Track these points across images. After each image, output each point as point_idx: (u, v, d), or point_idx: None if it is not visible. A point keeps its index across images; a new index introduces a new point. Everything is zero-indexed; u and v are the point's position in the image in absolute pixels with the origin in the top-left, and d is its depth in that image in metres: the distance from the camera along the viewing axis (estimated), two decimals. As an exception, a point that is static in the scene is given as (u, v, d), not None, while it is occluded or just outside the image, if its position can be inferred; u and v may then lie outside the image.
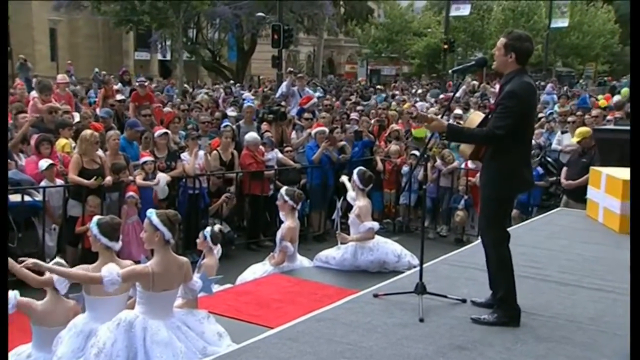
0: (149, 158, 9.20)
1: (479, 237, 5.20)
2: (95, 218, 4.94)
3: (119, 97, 13.36)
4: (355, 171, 7.47)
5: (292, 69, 16.68)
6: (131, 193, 8.81)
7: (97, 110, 12.74)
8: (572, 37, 48.94)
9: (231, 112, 13.80)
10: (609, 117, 13.94)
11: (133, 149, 9.77)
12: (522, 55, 4.72)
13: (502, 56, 4.76)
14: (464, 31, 45.35)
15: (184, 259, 4.75)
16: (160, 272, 4.43)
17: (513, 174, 4.72)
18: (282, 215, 7.19)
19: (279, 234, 7.08)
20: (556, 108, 17.39)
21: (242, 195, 10.63)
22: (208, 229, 6.32)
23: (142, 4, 25.21)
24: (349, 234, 7.33)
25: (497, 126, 4.62)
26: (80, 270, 4.65)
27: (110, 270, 4.34)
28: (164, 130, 9.91)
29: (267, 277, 6.86)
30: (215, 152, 10.43)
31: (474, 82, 27.75)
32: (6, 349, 3.82)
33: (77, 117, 11.05)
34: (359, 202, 7.27)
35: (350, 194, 7.54)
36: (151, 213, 4.58)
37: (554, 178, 11.28)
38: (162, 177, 9.17)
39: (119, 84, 17.14)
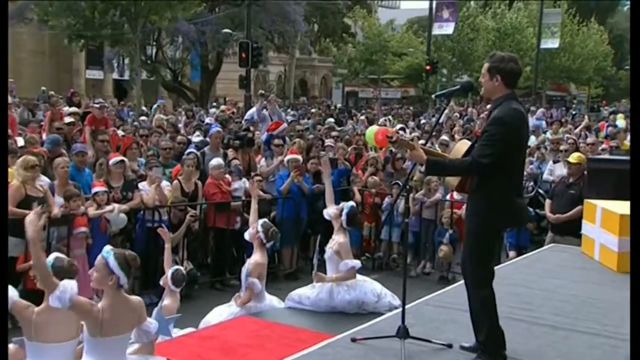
0: (102, 188, 9.09)
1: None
2: (51, 257, 4.88)
3: (67, 119, 13.21)
4: (345, 207, 7.48)
5: (262, 92, 16.80)
6: (82, 229, 8.65)
7: (44, 135, 12.56)
8: (563, 58, 49.90)
9: (196, 137, 13.77)
10: (603, 146, 14.08)
11: (84, 178, 9.68)
12: (508, 76, 4.80)
13: (488, 81, 4.84)
14: (450, 51, 45.92)
15: (138, 298, 4.70)
16: (109, 317, 4.36)
17: (501, 206, 4.74)
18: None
19: (244, 269, 7.05)
20: (548, 135, 17.60)
21: (206, 228, 10.58)
22: (173, 268, 6.27)
23: (100, 18, 25.05)
24: (324, 272, 7.32)
25: (481, 154, 4.66)
26: (25, 304, 4.59)
27: (67, 287, 4.25)
28: (120, 157, 9.85)
29: (234, 319, 6.81)
30: (176, 181, 10.38)
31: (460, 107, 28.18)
32: (6, 348, 3.91)
33: (20, 141, 10.91)
34: (339, 237, 7.28)
35: (327, 212, 7.55)
36: (108, 253, 4.52)
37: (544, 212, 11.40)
38: (117, 207, 9.05)
39: (66, 107, 16.86)
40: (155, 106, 24.99)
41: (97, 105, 13.42)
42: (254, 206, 7.58)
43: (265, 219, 7.65)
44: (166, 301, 6.11)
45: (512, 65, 4.81)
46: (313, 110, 25.59)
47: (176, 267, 6.42)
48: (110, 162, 9.68)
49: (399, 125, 18.26)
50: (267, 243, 7.19)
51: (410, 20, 57.47)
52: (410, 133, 16.50)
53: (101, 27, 25.20)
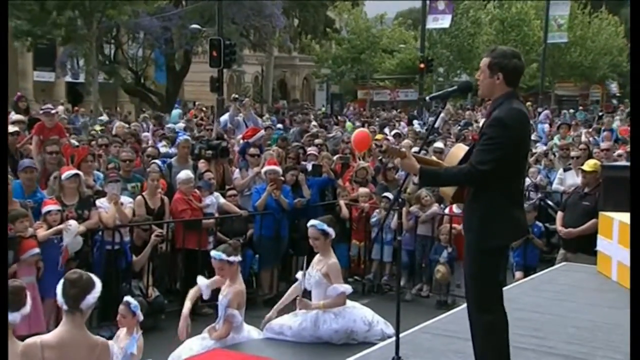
0: (54, 206, 9.01)
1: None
2: None
3: (11, 128, 13.04)
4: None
5: (236, 96, 16.81)
6: (35, 250, 8.58)
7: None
8: (574, 54, 50.23)
9: (162, 147, 13.74)
10: (619, 151, 14.06)
11: (36, 196, 9.60)
12: (510, 75, 4.83)
13: (487, 78, 4.86)
14: (448, 47, 46.08)
15: (100, 339, 4.64)
16: (55, 346, 4.29)
17: (502, 218, 4.76)
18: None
19: (222, 299, 7.01)
20: (556, 140, 17.64)
21: (174, 250, 10.54)
22: (130, 299, 6.23)
23: (50, 16, 24.81)
24: (308, 298, 7.30)
25: (480, 161, 4.68)
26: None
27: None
28: (74, 170, 9.78)
29: (207, 353, 6.77)
30: (139, 197, 10.35)
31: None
32: (6, 348, 4.01)
33: None
34: (328, 258, 7.25)
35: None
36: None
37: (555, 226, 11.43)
38: (74, 225, 8.94)
39: (12, 113, 16.71)
40: (176, 112, 24.88)
41: (42, 112, 13.12)
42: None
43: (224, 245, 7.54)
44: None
45: (515, 62, 4.84)
46: (296, 116, 25.71)
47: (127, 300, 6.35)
48: (63, 176, 9.57)
49: (394, 131, 18.35)
50: (232, 257, 7.10)
51: (401, 13, 57.75)
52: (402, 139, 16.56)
53: (53, 25, 24.91)
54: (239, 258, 7.12)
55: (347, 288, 7.27)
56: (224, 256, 7.02)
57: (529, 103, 34.27)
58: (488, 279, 4.87)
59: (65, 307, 4.41)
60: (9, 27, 26.62)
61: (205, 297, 7.28)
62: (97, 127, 20.15)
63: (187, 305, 7.11)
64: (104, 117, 25.49)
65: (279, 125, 22.01)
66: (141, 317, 6.06)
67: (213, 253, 7.20)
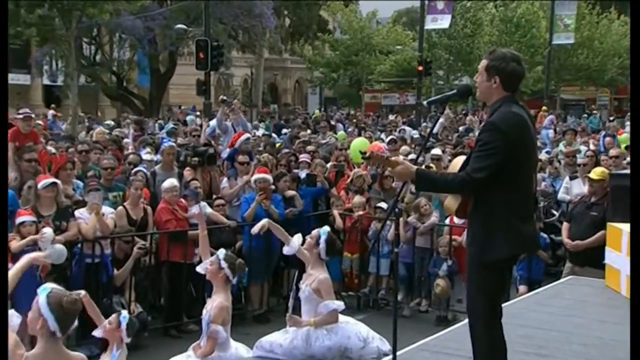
0: (29, 217, 8.96)
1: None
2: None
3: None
4: (322, 234, 7.44)
5: (225, 98, 16.73)
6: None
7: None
8: (581, 56, 50.35)
9: (146, 154, 13.70)
10: (629, 159, 14.06)
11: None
12: (508, 79, 4.85)
13: (484, 82, 4.88)
14: (447, 49, 46.14)
15: (80, 355, 4.64)
16: None
17: (503, 229, 4.75)
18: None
19: (206, 314, 7.00)
20: (561, 147, 17.65)
21: (158, 263, 10.52)
22: (125, 313, 6.19)
23: (27, 15, 24.68)
24: (299, 314, 7.29)
25: (475, 168, 4.69)
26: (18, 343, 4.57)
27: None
28: (52, 179, 9.75)
29: (192, 372, 6.76)
30: (121, 208, 10.32)
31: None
32: (6, 348, 4.07)
33: None
34: (319, 272, 7.25)
35: (291, 247, 7.50)
36: (44, 290, 4.49)
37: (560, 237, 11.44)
38: (48, 232, 8.81)
39: None
40: (190, 117, 24.83)
41: (22, 116, 13.07)
42: (202, 235, 7.56)
43: (223, 249, 7.54)
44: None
45: (514, 66, 4.85)
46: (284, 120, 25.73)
47: (121, 312, 6.33)
48: (40, 185, 9.54)
49: (389, 137, 18.33)
50: (234, 279, 7.14)
51: (398, 12, 57.84)
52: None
53: (26, 24, 24.69)
54: (231, 274, 7.03)
55: (340, 305, 7.26)
56: (221, 256, 6.99)
57: (544, 108, 34.35)
58: (491, 293, 4.87)
59: (59, 334, 4.43)
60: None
61: None
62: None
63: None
64: (110, 122, 25.46)
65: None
66: (125, 337, 6.00)
67: (219, 252, 7.14)
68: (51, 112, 27.62)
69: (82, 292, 5.08)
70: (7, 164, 7.85)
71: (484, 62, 4.90)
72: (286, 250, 7.63)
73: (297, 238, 7.53)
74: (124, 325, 5.96)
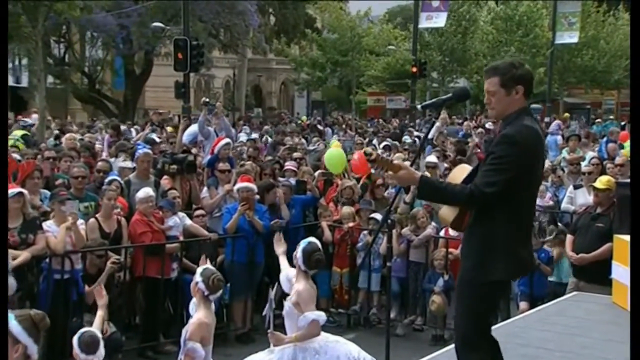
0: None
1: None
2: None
3: None
4: (300, 246, 7.43)
5: (207, 100, 16.67)
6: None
7: None
8: (585, 56, 50.49)
9: (121, 162, 13.66)
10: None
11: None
12: (528, 83, 4.94)
13: (504, 97, 4.89)
14: (440, 49, 46.15)
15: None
16: None
17: (504, 250, 4.78)
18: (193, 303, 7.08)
19: (184, 332, 6.99)
20: (564, 154, 17.65)
21: (133, 279, 10.50)
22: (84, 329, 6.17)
23: None
24: (284, 332, 7.28)
25: (486, 182, 4.69)
26: None
27: None
28: (18, 189, 9.73)
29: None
30: (93, 220, 10.29)
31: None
32: (6, 348, 4.13)
33: None
34: (298, 285, 7.24)
35: (286, 275, 7.51)
36: (10, 318, 4.47)
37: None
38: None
39: None
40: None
41: None
42: None
43: (208, 265, 7.54)
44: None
45: (526, 69, 4.95)
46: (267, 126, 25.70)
47: (85, 329, 6.31)
48: (6, 195, 9.57)
49: (383, 144, 18.36)
50: (211, 295, 7.11)
51: (390, 10, 57.88)
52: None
53: None
54: (206, 290, 6.99)
55: (320, 315, 7.22)
56: (198, 278, 6.91)
57: (566, 115, 34.29)
58: (479, 313, 4.89)
59: (35, 356, 4.43)
60: None
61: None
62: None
63: None
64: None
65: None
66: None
67: (198, 270, 7.07)
68: (34, 115, 27.48)
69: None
70: (7, 164, 7.84)
71: (494, 80, 4.90)
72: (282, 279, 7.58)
73: (290, 270, 7.51)
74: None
